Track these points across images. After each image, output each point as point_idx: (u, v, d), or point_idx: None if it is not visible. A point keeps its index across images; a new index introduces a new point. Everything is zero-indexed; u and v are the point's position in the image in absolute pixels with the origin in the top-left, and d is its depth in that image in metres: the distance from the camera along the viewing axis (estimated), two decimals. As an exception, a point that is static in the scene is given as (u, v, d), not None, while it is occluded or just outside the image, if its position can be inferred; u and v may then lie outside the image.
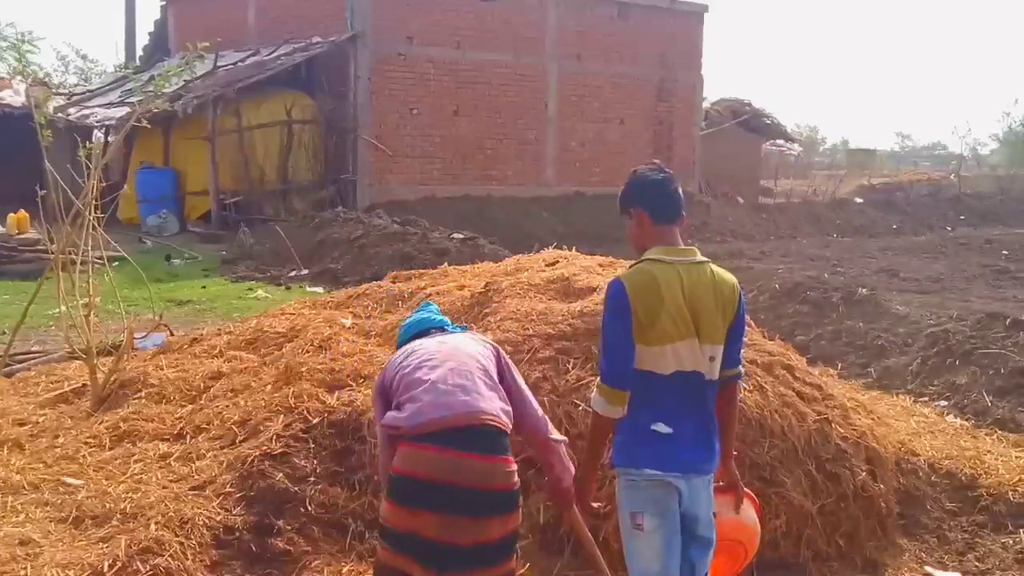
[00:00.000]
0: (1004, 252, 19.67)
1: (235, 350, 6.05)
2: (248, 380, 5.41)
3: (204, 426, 4.99)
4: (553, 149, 22.78)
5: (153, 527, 3.95)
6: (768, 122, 29.07)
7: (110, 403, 5.65)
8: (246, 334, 6.28)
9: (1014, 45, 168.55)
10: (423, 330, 3.71)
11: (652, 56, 23.99)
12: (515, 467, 3.28)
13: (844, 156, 50.79)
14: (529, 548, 4.18)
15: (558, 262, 6.25)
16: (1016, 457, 5.83)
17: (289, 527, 4.19)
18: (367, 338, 5.80)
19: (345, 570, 4.07)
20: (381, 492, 3.61)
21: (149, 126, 7.14)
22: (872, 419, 5.46)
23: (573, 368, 4.75)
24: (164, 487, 4.37)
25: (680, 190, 3.37)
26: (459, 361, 3.43)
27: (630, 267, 3.34)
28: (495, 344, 3.74)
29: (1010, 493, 5.27)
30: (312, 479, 4.40)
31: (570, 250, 6.76)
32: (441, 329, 3.74)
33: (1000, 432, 6.45)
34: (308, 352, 5.45)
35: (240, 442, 4.68)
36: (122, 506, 4.16)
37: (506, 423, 3.35)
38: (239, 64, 20.48)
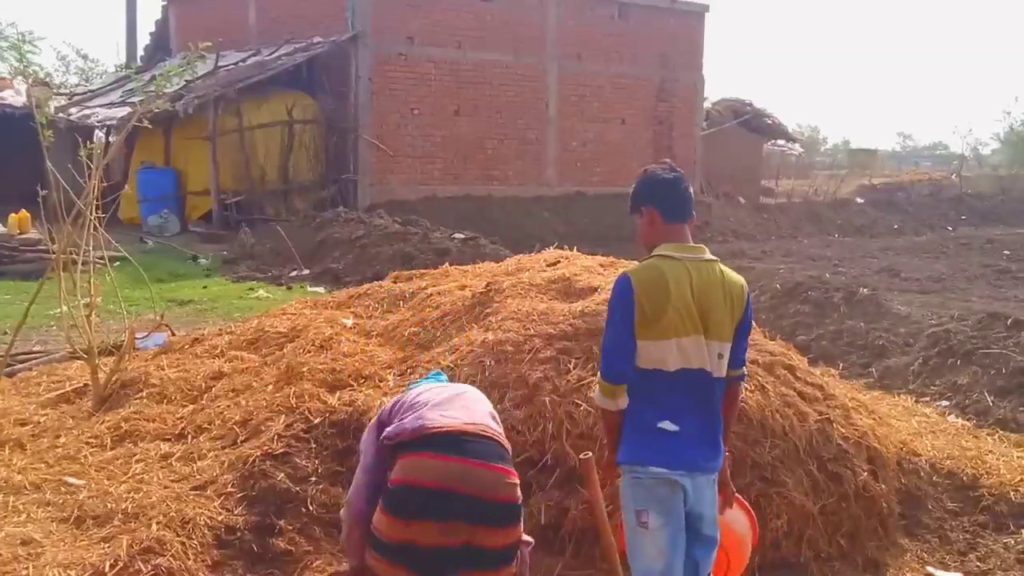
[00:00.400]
0: (1005, 252, 19.66)
1: (236, 350, 6.05)
2: (249, 380, 5.42)
3: (205, 426, 5.00)
4: (554, 149, 22.78)
5: (154, 527, 3.95)
6: (769, 122, 29.05)
7: (111, 403, 5.65)
8: (247, 334, 6.28)
9: (1015, 45, 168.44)
10: None
11: (653, 56, 23.99)
12: (518, 480, 3.24)
13: (845, 156, 50.86)
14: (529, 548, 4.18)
15: (559, 262, 6.24)
16: (1018, 457, 5.83)
17: (290, 527, 4.19)
18: (368, 338, 5.80)
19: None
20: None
21: (150, 126, 7.14)
22: (873, 419, 5.46)
23: (574, 368, 4.74)
24: (165, 487, 4.37)
25: (691, 189, 3.41)
26: (468, 400, 3.43)
27: (638, 264, 3.35)
28: None
29: (1012, 493, 5.26)
30: (313, 479, 4.40)
31: (571, 250, 6.76)
32: None
33: (1001, 432, 6.44)
34: (309, 352, 5.45)
35: (241, 442, 4.68)
36: (123, 506, 4.16)
37: (508, 446, 3.31)
38: (240, 64, 20.48)
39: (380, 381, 5.10)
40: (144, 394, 5.58)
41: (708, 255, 3.33)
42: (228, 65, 20.12)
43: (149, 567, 3.74)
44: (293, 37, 20.82)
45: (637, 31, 23.60)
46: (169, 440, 4.96)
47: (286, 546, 4.11)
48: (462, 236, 15.19)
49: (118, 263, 7.57)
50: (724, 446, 3.44)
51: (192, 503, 4.17)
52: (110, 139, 18.98)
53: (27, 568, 3.69)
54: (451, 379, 4.05)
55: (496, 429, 3.32)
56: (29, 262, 13.09)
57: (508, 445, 3.32)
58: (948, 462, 5.54)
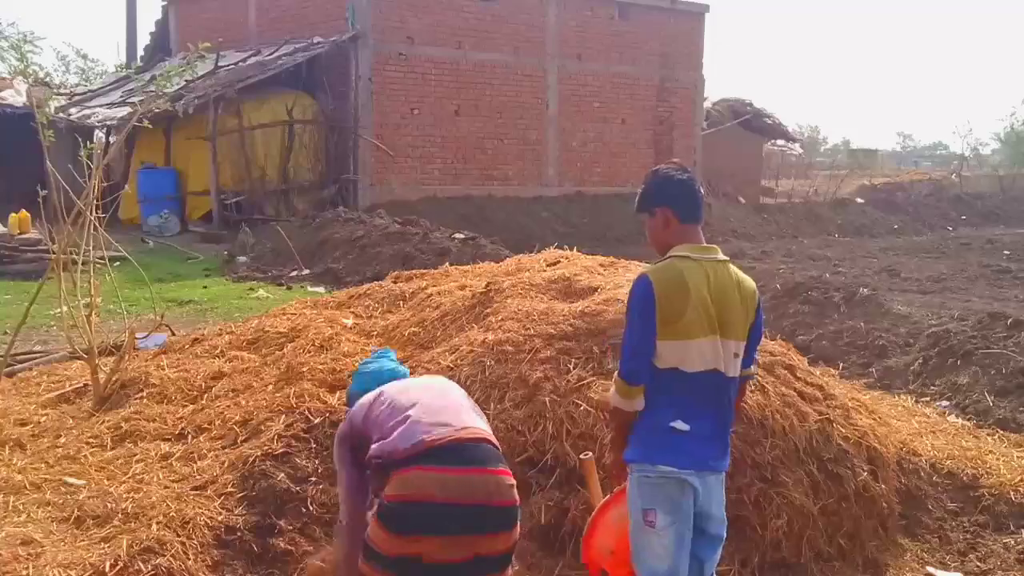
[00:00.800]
0: (1005, 252, 19.66)
1: (236, 350, 6.05)
2: (249, 380, 5.41)
3: (205, 426, 4.99)
4: (554, 149, 22.78)
5: (155, 527, 3.95)
6: (769, 122, 29.07)
7: (111, 403, 5.64)
8: (247, 334, 6.27)
9: (1015, 45, 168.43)
10: (382, 382, 3.55)
11: (653, 56, 23.99)
12: (514, 481, 3.22)
13: (845, 156, 50.85)
14: (530, 549, 4.18)
15: (559, 262, 6.24)
16: (1018, 457, 5.82)
17: (291, 527, 4.19)
18: (368, 338, 5.80)
19: (346, 570, 4.06)
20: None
21: (150, 126, 7.13)
22: (873, 419, 5.45)
23: (574, 368, 4.74)
24: (166, 487, 4.37)
25: (702, 189, 3.40)
26: (439, 390, 3.41)
27: (656, 264, 3.34)
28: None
29: (1012, 493, 5.26)
30: (313, 479, 4.39)
31: (571, 250, 6.76)
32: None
33: (1002, 432, 6.44)
34: (309, 352, 5.45)
35: (241, 442, 4.67)
36: (124, 506, 4.15)
37: (497, 443, 3.29)
38: (240, 64, 20.47)
39: (380, 381, 5.09)
40: (144, 394, 5.57)
41: (721, 256, 3.34)
42: (228, 65, 20.12)
43: (149, 567, 3.73)
44: (293, 37, 20.82)
45: (637, 31, 23.61)
46: (169, 440, 4.95)
47: (286, 546, 4.11)
48: (462, 236, 15.18)
49: (118, 263, 7.56)
50: None
51: (192, 503, 4.17)
52: (110, 139, 18.99)
53: (27, 568, 3.68)
54: (451, 379, 4.03)
55: (483, 426, 3.29)
56: (29, 262, 13.10)
57: (496, 442, 3.30)
58: (948, 462, 5.53)
